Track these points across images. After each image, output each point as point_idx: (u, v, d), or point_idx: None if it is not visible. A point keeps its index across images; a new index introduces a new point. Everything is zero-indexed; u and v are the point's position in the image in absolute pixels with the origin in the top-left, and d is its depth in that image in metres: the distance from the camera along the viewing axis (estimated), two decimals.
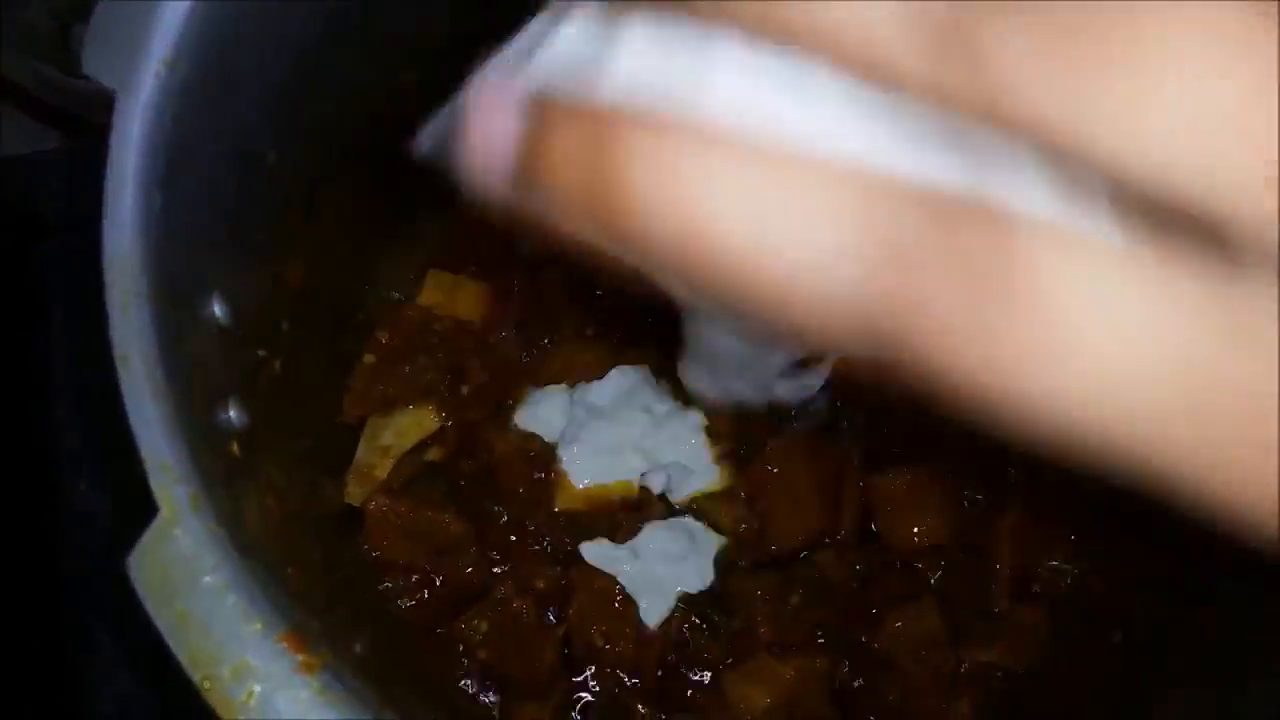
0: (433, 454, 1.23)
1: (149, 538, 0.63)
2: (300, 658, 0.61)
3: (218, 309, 0.81)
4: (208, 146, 0.81)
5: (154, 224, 0.72)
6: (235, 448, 0.75)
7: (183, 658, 0.60)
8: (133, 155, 0.72)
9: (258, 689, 0.60)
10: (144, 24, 0.75)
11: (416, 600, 1.16)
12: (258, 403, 0.87)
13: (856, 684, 1.19)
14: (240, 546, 0.64)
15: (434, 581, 1.17)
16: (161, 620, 0.61)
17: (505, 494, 1.22)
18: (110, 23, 0.74)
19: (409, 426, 1.23)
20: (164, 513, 0.63)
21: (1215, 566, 1.01)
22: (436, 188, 1.13)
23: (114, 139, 0.71)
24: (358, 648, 0.80)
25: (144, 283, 0.70)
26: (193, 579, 0.62)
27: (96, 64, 0.73)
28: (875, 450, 1.26)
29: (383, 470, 1.20)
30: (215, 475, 0.68)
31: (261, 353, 0.92)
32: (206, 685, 0.60)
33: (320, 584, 0.89)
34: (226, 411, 0.77)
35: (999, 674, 1.19)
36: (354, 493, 1.18)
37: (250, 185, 0.89)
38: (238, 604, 0.62)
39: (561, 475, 1.23)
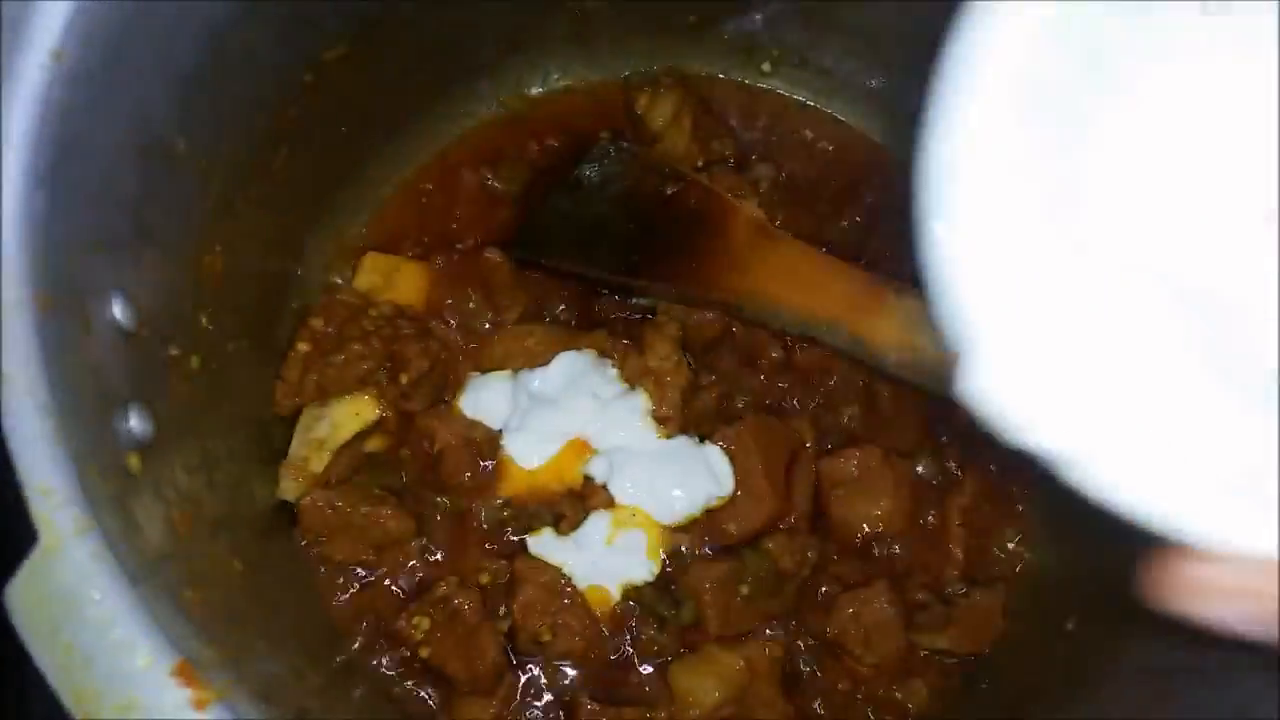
0: (372, 444, 1.19)
1: (28, 568, 0.59)
2: (191, 693, 0.58)
3: (118, 311, 0.76)
4: (104, 139, 0.76)
5: (39, 227, 0.67)
6: (134, 461, 0.71)
7: (65, 697, 0.57)
8: (14, 154, 0.67)
9: None
10: (26, 10, 0.70)
11: (354, 598, 1.13)
12: (168, 407, 0.83)
13: (808, 672, 1.17)
14: (132, 572, 0.61)
15: (373, 578, 1.14)
16: (42, 656, 0.58)
17: (448, 484, 1.18)
18: None
19: (346, 417, 1.19)
20: (45, 540, 0.60)
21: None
22: (367, 167, 1.09)
23: None
24: (271, 666, 0.76)
25: (27, 291, 0.65)
26: (76, 611, 0.59)
27: None
28: (828, 433, 1.24)
29: (318, 463, 1.16)
30: (106, 495, 0.64)
31: (174, 351, 0.88)
32: None
33: (240, 590, 0.86)
34: (126, 422, 0.73)
35: (952, 659, 1.18)
36: (287, 487, 1.14)
37: (156, 176, 0.84)
38: (125, 637, 0.58)
39: (506, 464, 1.19)
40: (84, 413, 0.67)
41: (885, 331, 0.99)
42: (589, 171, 1.28)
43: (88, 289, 0.73)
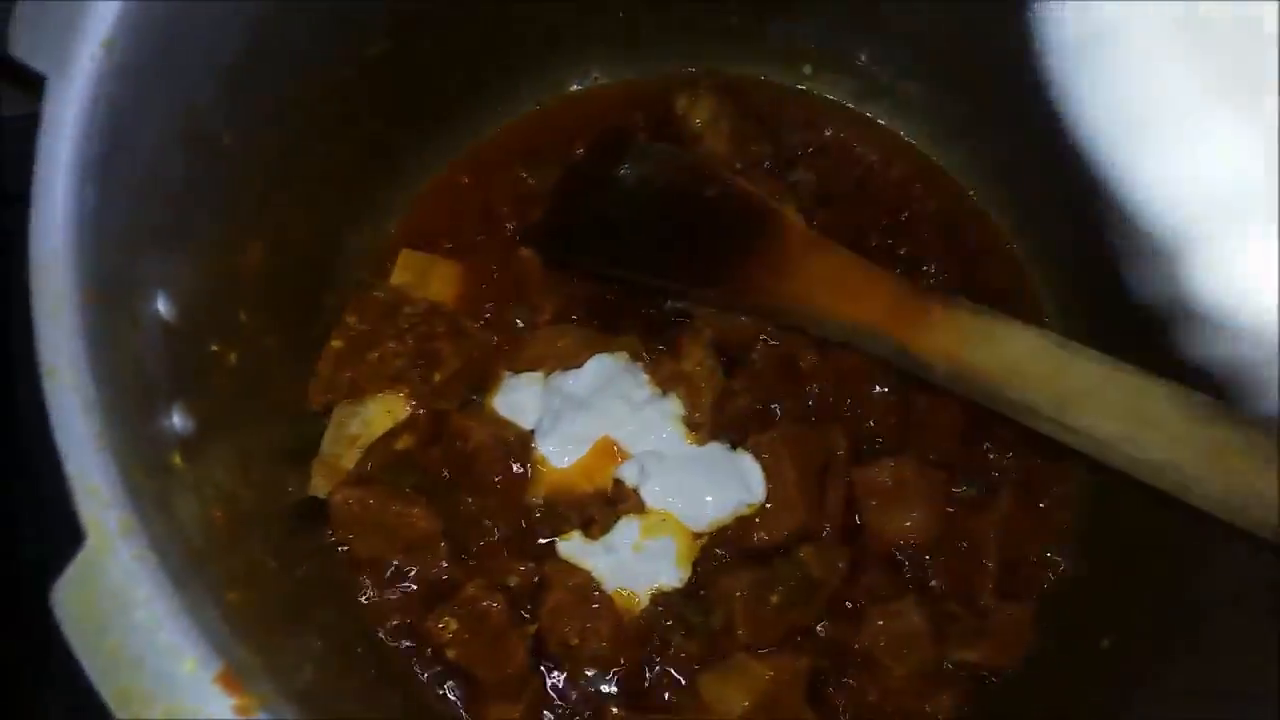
0: (403, 442, 1.18)
1: (76, 568, 0.58)
2: (236, 700, 0.57)
3: (162, 306, 0.76)
4: (151, 132, 0.75)
5: (88, 221, 0.67)
6: (177, 459, 0.71)
7: (110, 699, 0.56)
8: (65, 145, 0.67)
9: None
10: (79, 2, 0.69)
11: (383, 597, 1.12)
12: (207, 403, 0.83)
13: (836, 683, 1.16)
14: (176, 573, 0.60)
15: (401, 577, 1.13)
16: (88, 657, 0.57)
17: (480, 485, 1.17)
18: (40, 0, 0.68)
19: (378, 414, 1.18)
20: (92, 540, 0.59)
21: (1214, 578, 0.98)
22: (404, 163, 1.09)
23: (43, 128, 0.66)
24: (308, 670, 0.75)
25: (76, 286, 0.65)
26: (123, 612, 0.58)
27: (26, 44, 0.68)
28: (862, 441, 1.23)
29: (350, 460, 1.15)
30: (151, 494, 0.64)
31: (214, 347, 0.87)
32: None
33: (275, 590, 0.85)
34: (169, 418, 0.73)
35: (982, 673, 1.17)
36: (319, 484, 1.13)
37: (201, 170, 0.83)
38: (171, 641, 0.58)
39: (537, 465, 1.18)
40: (129, 409, 0.66)
41: (934, 342, 0.98)
42: (626, 172, 1.27)
43: (134, 283, 0.72)
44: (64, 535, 0.61)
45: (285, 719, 0.60)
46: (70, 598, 0.58)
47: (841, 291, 1.06)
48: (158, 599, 0.59)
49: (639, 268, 1.21)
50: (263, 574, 0.82)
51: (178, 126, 0.79)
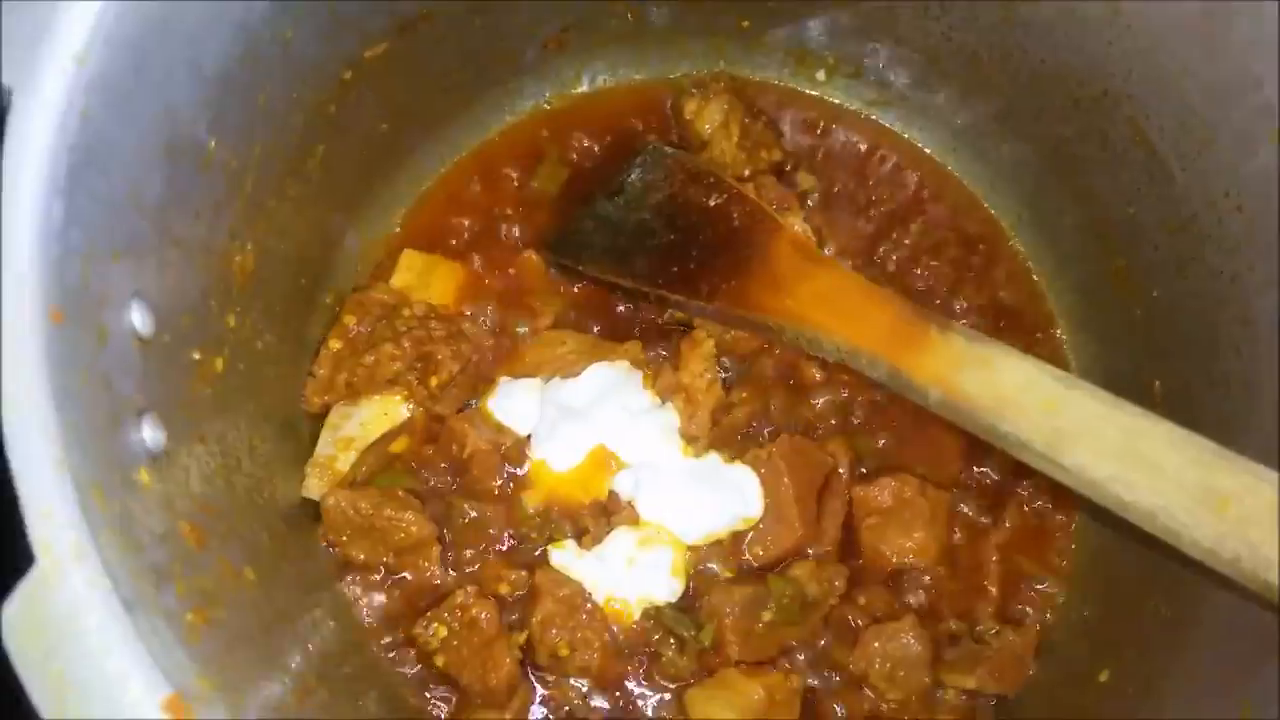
0: (398, 446, 1.17)
1: (24, 591, 0.58)
2: None
3: (137, 318, 0.75)
4: (129, 144, 0.74)
5: (54, 237, 0.66)
6: (144, 476, 0.70)
7: None
8: (32, 161, 0.66)
9: None
10: (49, 13, 0.69)
11: (372, 601, 1.12)
12: (185, 413, 0.82)
13: (830, 704, 1.14)
14: (129, 598, 0.60)
15: (392, 582, 1.13)
16: (33, 683, 0.57)
17: (474, 491, 1.17)
18: (10, 11, 0.67)
19: (374, 416, 1.18)
20: (42, 563, 0.58)
21: (1208, 622, 0.95)
22: (406, 164, 1.07)
23: (8, 144, 0.65)
24: (284, 681, 0.75)
25: (40, 307, 0.64)
26: (70, 639, 0.57)
27: None
28: (863, 458, 1.20)
29: (345, 463, 1.15)
30: (109, 516, 0.63)
31: (196, 355, 0.87)
32: None
33: (252, 602, 0.85)
34: (138, 433, 0.72)
35: (979, 700, 1.14)
36: (312, 485, 1.13)
37: (185, 178, 0.82)
38: (118, 667, 0.57)
39: (533, 472, 1.18)
40: (92, 430, 0.65)
41: (928, 367, 0.95)
42: (633, 177, 1.25)
43: (105, 299, 0.71)
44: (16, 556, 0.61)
45: None
46: (17, 621, 0.57)
47: (839, 311, 1.03)
48: (109, 624, 0.58)
49: (641, 277, 1.19)
50: (238, 587, 0.81)
51: (158, 137, 0.78)
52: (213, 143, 0.86)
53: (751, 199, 1.19)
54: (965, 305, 1.26)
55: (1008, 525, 1.20)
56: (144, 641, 0.59)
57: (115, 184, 0.73)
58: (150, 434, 0.74)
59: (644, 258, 1.20)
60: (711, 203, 1.19)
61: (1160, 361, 1.13)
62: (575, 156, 1.32)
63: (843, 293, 1.05)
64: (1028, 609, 1.18)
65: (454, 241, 1.27)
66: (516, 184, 1.30)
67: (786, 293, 1.07)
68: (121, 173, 0.73)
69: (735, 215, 1.17)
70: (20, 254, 0.63)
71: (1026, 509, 1.20)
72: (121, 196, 0.73)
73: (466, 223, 1.28)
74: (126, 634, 0.58)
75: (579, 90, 1.34)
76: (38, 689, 0.57)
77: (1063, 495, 1.20)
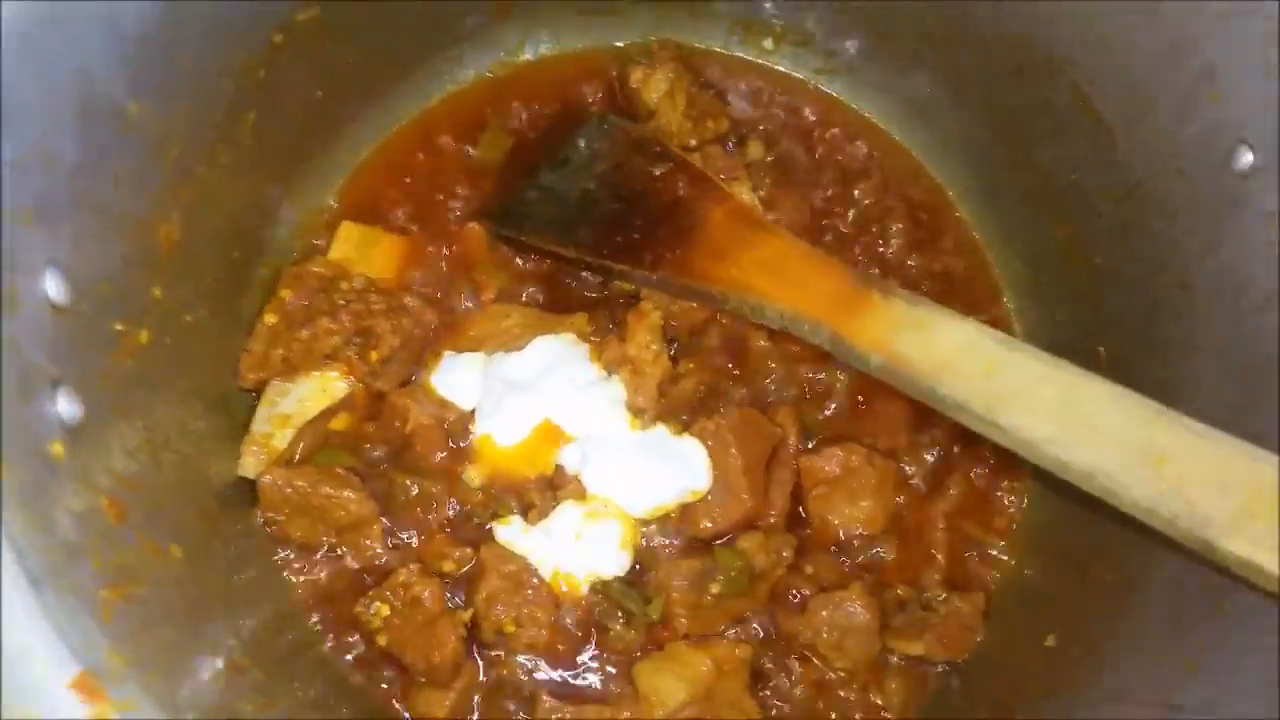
0: (338, 422, 1.15)
1: None
2: (92, 707, 0.54)
3: (51, 287, 0.72)
4: (39, 103, 0.71)
5: None
6: (58, 449, 0.67)
7: None
8: None
9: None
10: None
11: (312, 581, 1.10)
12: (106, 385, 0.79)
13: (778, 674, 1.13)
14: (34, 573, 0.57)
15: (333, 561, 1.10)
16: None
17: (418, 466, 1.14)
18: None
19: (312, 393, 1.15)
20: None
21: (1153, 586, 0.96)
22: (343, 133, 1.03)
23: None
24: (216, 660, 0.73)
25: None
26: None
27: None
28: (811, 428, 1.20)
29: (281, 440, 1.12)
30: (15, 487, 0.60)
31: (119, 325, 0.84)
32: None
33: (179, 581, 0.82)
34: (51, 405, 0.69)
35: (926, 666, 1.15)
36: (248, 464, 1.10)
37: (102, 142, 0.79)
38: (21, 644, 0.55)
39: (477, 447, 1.15)
40: (1, 399, 0.62)
41: (869, 332, 0.94)
42: (579, 145, 1.23)
43: (16, 265, 0.68)
44: None
45: None
46: None
47: (782, 278, 1.02)
48: (11, 599, 0.55)
49: (585, 247, 1.17)
50: (162, 564, 0.79)
51: (73, 96, 0.75)
52: (133, 105, 0.83)
53: (696, 168, 1.17)
54: (913, 273, 1.25)
55: (954, 493, 1.20)
56: (50, 618, 0.56)
57: (25, 145, 0.69)
58: (66, 406, 0.71)
59: (588, 227, 1.18)
60: (657, 171, 1.17)
61: (1104, 328, 1.13)
62: (518, 125, 1.29)
63: (786, 259, 1.04)
64: (975, 576, 1.18)
65: (395, 213, 1.24)
66: (458, 154, 1.27)
67: (730, 260, 1.06)
68: (33, 134, 0.70)
69: (680, 184, 1.15)
70: None
71: (973, 477, 1.20)
72: (32, 158, 0.70)
73: (407, 194, 1.25)
74: (32, 610, 0.56)
75: (523, 58, 1.31)
76: None
77: (1009, 463, 1.20)
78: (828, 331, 0.98)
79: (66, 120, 0.74)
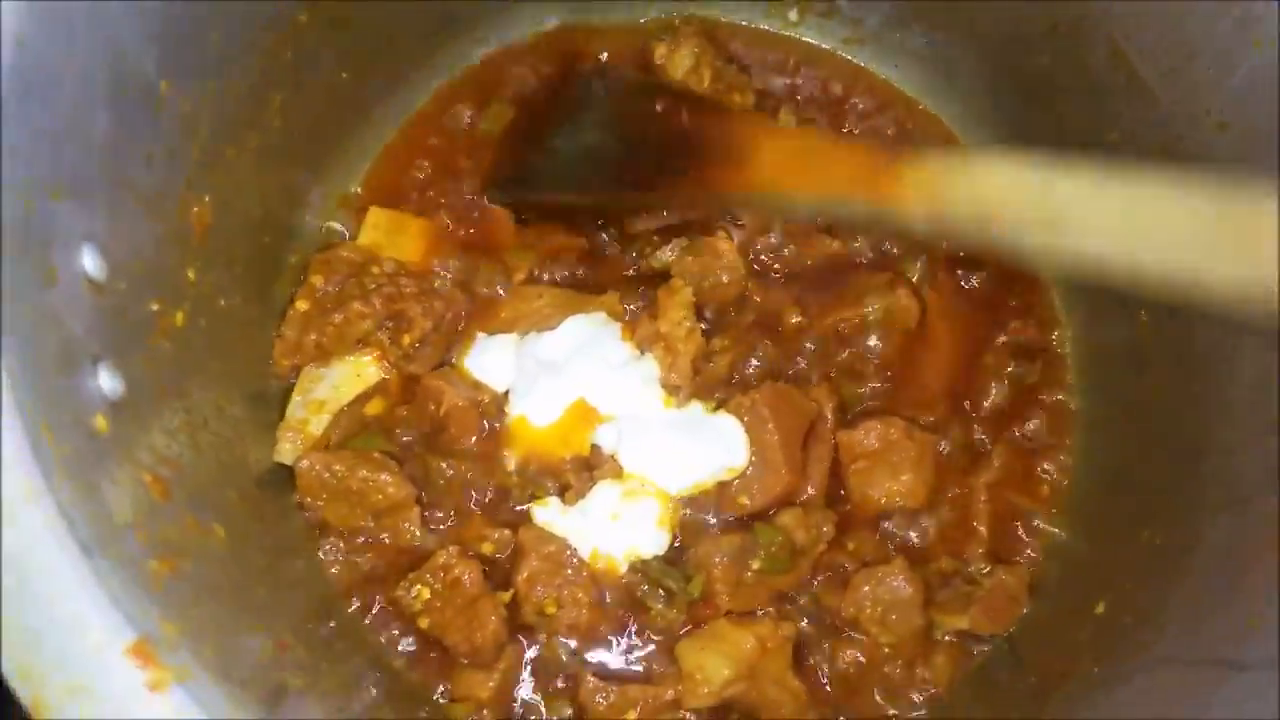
0: (372, 407, 1.14)
1: None
2: (148, 674, 0.54)
3: (89, 262, 0.72)
4: (72, 77, 0.70)
5: None
6: (101, 422, 0.67)
7: (11, 675, 0.53)
8: None
9: (93, 711, 0.52)
10: None
11: (352, 565, 1.09)
12: (146, 364, 0.79)
13: (822, 650, 1.12)
14: (86, 542, 0.56)
15: (372, 545, 1.10)
16: None
17: (453, 448, 1.13)
18: None
19: (347, 378, 1.14)
20: None
21: (1207, 548, 0.93)
22: (369, 114, 1.03)
23: None
24: (259, 640, 0.72)
25: None
26: (23, 583, 0.54)
27: None
28: (848, 402, 1.18)
29: (317, 425, 1.12)
30: (62, 457, 0.60)
31: (155, 306, 0.83)
32: (36, 705, 0.52)
33: (222, 559, 0.82)
34: (94, 379, 0.69)
35: (973, 640, 1.13)
36: (285, 450, 1.09)
37: (135, 120, 0.79)
38: (75, 612, 0.54)
39: (512, 428, 1.15)
40: (42, 369, 0.62)
41: (909, 196, 0.90)
42: (582, 99, 1.21)
43: (53, 237, 0.68)
44: None
45: (208, 696, 0.56)
46: None
47: (807, 168, 0.99)
48: (63, 568, 0.55)
49: (600, 186, 1.15)
50: (206, 543, 0.78)
51: (105, 73, 0.74)
52: (163, 84, 0.82)
53: (697, 95, 1.15)
54: (948, 246, 1.23)
55: (995, 464, 1.18)
56: (104, 586, 0.56)
57: (59, 119, 0.69)
58: (107, 381, 0.70)
59: (601, 172, 1.16)
60: (659, 108, 1.15)
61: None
62: (528, 94, 1.28)
63: (807, 151, 1.01)
64: (1019, 547, 1.16)
65: (422, 196, 1.23)
66: (468, 129, 1.26)
67: (752, 166, 1.03)
68: (66, 107, 0.70)
69: (687, 113, 1.13)
70: None
71: (1014, 447, 1.18)
72: (66, 132, 0.70)
73: (432, 177, 1.24)
74: (85, 578, 0.55)
75: (543, 31, 1.29)
76: None
77: (1052, 431, 1.18)
78: (865, 206, 0.94)
79: (98, 95, 0.74)
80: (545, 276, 1.21)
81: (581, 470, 1.13)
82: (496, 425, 1.15)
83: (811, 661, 1.11)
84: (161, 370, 0.82)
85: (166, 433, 0.79)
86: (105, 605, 0.55)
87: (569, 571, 1.09)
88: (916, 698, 1.12)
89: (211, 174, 0.93)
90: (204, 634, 0.63)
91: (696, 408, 1.14)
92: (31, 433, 0.57)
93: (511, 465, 1.14)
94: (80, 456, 0.62)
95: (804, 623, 1.12)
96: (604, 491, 1.11)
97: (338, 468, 1.08)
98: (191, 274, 0.91)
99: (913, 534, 1.16)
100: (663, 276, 1.19)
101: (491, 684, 1.07)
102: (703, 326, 1.17)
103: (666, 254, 1.20)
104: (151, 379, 0.79)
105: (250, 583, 0.84)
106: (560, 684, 1.09)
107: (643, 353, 1.15)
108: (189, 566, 0.69)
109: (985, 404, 1.19)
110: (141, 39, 0.78)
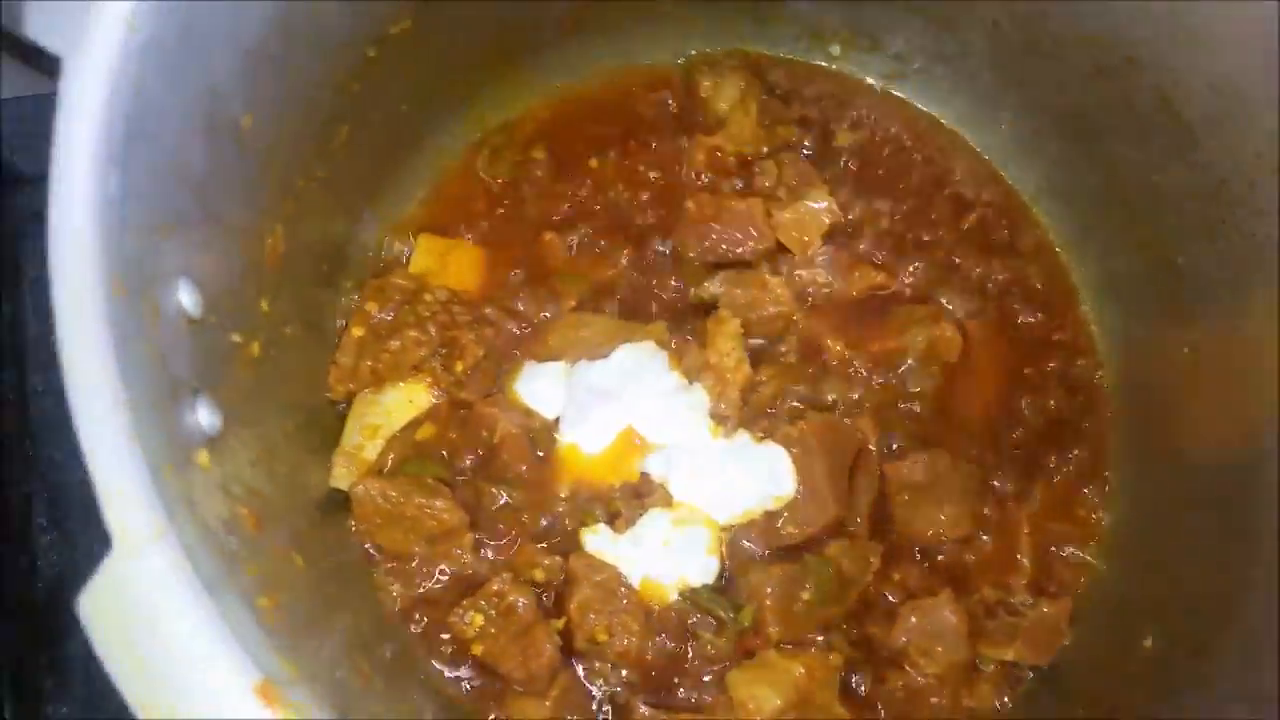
0: (425, 432, 1.15)
1: (103, 576, 0.55)
2: (275, 714, 0.54)
3: (185, 297, 0.73)
4: (174, 115, 0.72)
5: (112, 208, 0.63)
6: (204, 456, 0.68)
7: (139, 713, 0.53)
8: (87, 129, 0.63)
9: None
10: None
11: (406, 591, 1.09)
12: (231, 397, 0.80)
13: (870, 681, 1.13)
14: (208, 579, 0.57)
15: (423, 571, 1.10)
16: (117, 670, 0.54)
17: (504, 476, 1.14)
18: None
19: (399, 404, 1.15)
20: (118, 546, 0.56)
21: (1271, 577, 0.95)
22: (425, 147, 1.04)
23: (62, 111, 0.62)
24: (338, 673, 0.73)
25: (100, 276, 0.61)
26: (152, 623, 0.55)
27: (39, 23, 0.64)
28: (893, 433, 1.20)
29: (371, 451, 1.12)
30: (179, 494, 0.60)
31: (236, 338, 0.84)
32: None
33: (303, 590, 0.82)
34: (194, 414, 0.69)
35: (1015, 670, 1.14)
36: (340, 475, 1.10)
37: (223, 155, 0.80)
38: (202, 652, 0.55)
39: (562, 456, 1.16)
40: (155, 406, 0.63)
41: None
42: None
43: (157, 273, 0.69)
44: (84, 539, 0.58)
45: None
46: (97, 607, 0.55)
47: None
48: (190, 607, 0.56)
49: None
50: (292, 572, 0.79)
51: (201, 108, 0.76)
52: (248, 119, 0.84)
53: None
54: (989, 278, 1.25)
55: (1038, 497, 1.20)
56: (227, 625, 0.57)
57: (164, 157, 0.70)
58: (206, 416, 0.71)
59: None
60: None
61: (1187, 329, 1.13)
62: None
63: None
64: (1062, 579, 1.18)
65: (473, 225, 1.25)
66: (531, 164, 1.27)
67: None
68: (169, 145, 0.71)
69: None
70: (78, 221, 0.60)
71: (1057, 479, 1.20)
72: (169, 170, 0.71)
73: (483, 206, 1.26)
74: (210, 617, 0.56)
75: (594, 70, 1.31)
76: (122, 678, 0.54)
77: (1095, 465, 1.20)
78: None
79: (196, 132, 0.75)
80: (594, 305, 1.22)
81: (631, 498, 1.14)
82: (546, 452, 1.16)
83: (859, 692, 1.12)
84: (244, 401, 0.83)
85: (250, 464, 0.80)
86: (230, 645, 0.56)
87: (621, 599, 1.10)
88: None
89: (283, 204, 0.94)
90: (312, 672, 0.64)
91: (744, 437, 1.16)
92: (154, 471, 0.58)
93: (563, 492, 1.14)
94: (192, 492, 0.63)
95: (851, 653, 1.13)
96: (656, 519, 1.12)
97: (393, 493, 1.09)
98: (265, 304, 0.92)
99: (957, 566, 1.17)
100: (709, 308, 1.20)
101: (546, 711, 1.08)
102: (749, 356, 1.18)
103: (714, 286, 1.21)
104: (236, 411, 0.80)
105: (329, 612, 0.85)
106: (612, 712, 1.09)
107: (691, 382, 1.17)
108: (286, 599, 0.70)
109: (1027, 436, 1.21)
110: (233, 75, 0.79)
